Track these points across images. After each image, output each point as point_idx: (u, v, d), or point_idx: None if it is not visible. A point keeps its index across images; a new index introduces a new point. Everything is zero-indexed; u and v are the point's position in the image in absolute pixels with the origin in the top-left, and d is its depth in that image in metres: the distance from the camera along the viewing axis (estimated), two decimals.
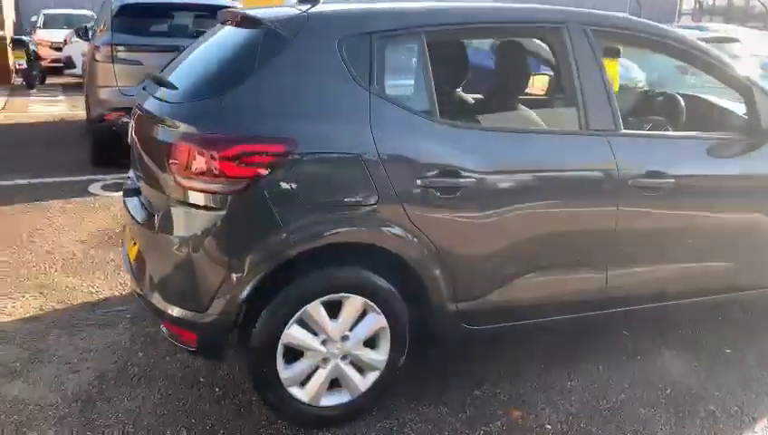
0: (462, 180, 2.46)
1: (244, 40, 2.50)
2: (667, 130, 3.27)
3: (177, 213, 2.34)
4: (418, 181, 2.40)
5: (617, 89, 3.43)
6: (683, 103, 3.43)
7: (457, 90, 3.47)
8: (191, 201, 2.30)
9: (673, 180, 2.79)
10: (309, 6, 2.53)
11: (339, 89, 2.38)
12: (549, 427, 2.60)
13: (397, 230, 2.41)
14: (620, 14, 3.15)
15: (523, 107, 3.07)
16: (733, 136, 3.08)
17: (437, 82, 2.55)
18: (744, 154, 3.03)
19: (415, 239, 2.44)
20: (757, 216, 3.06)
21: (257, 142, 2.26)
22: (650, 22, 3.07)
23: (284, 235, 2.29)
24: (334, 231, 2.35)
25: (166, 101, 2.52)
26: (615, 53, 3.43)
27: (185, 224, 2.33)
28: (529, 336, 3.15)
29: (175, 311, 2.38)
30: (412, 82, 2.55)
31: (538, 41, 3.59)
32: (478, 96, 3.63)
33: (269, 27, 2.42)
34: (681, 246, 2.94)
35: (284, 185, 2.27)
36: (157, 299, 2.45)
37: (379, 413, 2.61)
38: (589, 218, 2.74)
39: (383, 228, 2.40)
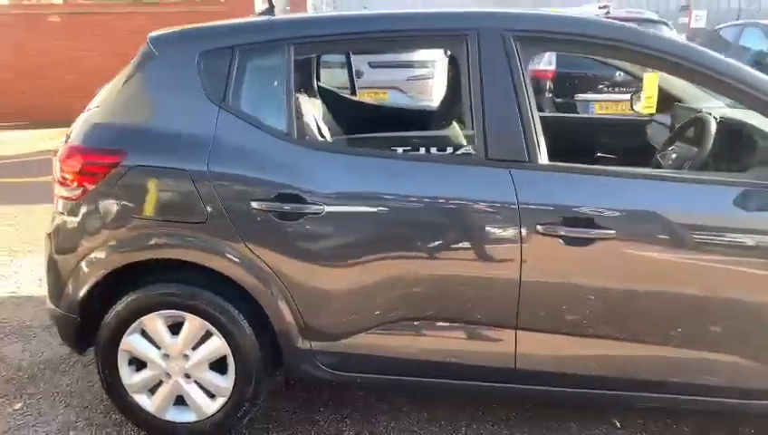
0: (307, 207, 2.21)
1: (136, 57, 2.57)
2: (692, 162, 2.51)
3: (51, 216, 2.53)
4: (255, 204, 2.23)
5: (651, 108, 2.71)
6: (713, 128, 2.57)
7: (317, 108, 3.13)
8: (55, 205, 2.47)
9: (613, 231, 2.12)
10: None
11: (187, 103, 2.32)
12: None
13: (228, 252, 2.26)
14: (565, 15, 2.44)
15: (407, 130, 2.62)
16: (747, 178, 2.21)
17: (307, 98, 2.32)
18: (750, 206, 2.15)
19: (250, 265, 2.27)
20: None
21: (91, 153, 2.33)
22: (607, 21, 2.36)
23: (112, 244, 2.33)
24: (156, 246, 2.31)
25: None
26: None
27: (50, 226, 2.50)
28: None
29: (48, 303, 2.58)
30: (272, 98, 2.34)
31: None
32: (363, 114, 3.19)
33: (148, 43, 2.46)
34: (632, 319, 2.20)
35: (115, 195, 2.30)
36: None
37: None
38: (477, 267, 2.22)
39: (210, 249, 2.28)
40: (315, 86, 3.66)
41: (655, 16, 8.13)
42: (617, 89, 7.18)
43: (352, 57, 4.17)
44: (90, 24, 11.21)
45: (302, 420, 2.66)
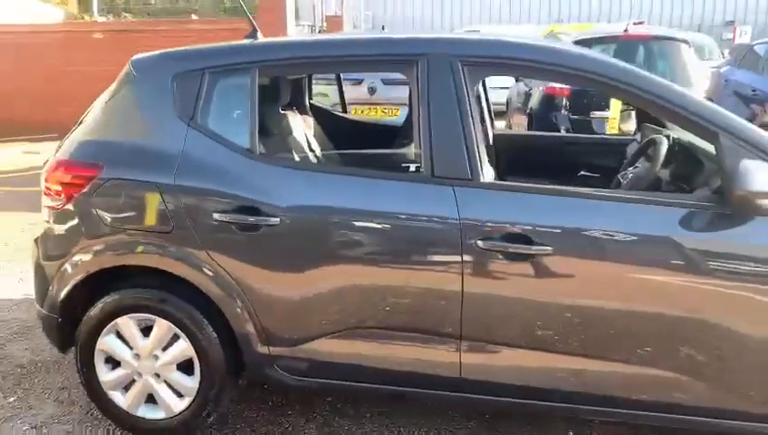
0: (265, 219, 2.36)
1: (118, 78, 2.77)
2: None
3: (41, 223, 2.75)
4: (217, 215, 2.39)
5: (614, 129, 2.80)
6: (664, 149, 2.63)
7: (295, 126, 3.26)
8: (42, 214, 2.68)
9: (550, 248, 2.21)
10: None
11: (160, 121, 2.51)
12: None
13: (192, 261, 2.43)
14: (512, 40, 2.52)
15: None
16: (686, 200, 2.27)
17: (271, 117, 2.48)
18: (693, 225, 2.20)
19: (212, 273, 2.43)
20: (708, 314, 2.19)
21: (73, 166, 2.54)
22: (557, 47, 2.45)
23: (89, 251, 2.52)
24: (127, 253, 2.49)
25: None
26: None
27: (39, 232, 2.71)
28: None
29: (35, 304, 2.79)
30: (236, 117, 2.50)
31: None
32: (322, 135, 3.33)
33: (129, 65, 2.66)
34: (573, 333, 2.27)
35: (92, 205, 2.50)
36: None
37: None
38: (422, 280, 2.33)
39: (175, 257, 2.45)
40: (307, 104, 3.84)
41: (676, 34, 8.07)
42: (632, 107, 7.16)
43: (366, 75, 4.32)
44: (130, 42, 11.72)
45: (269, 422, 2.80)
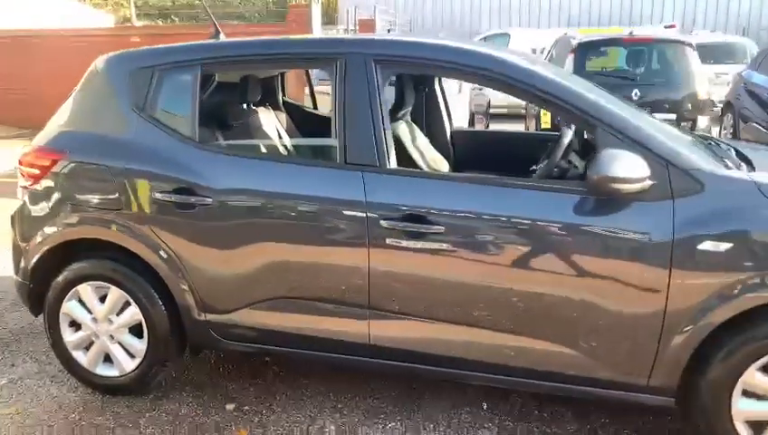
0: (197, 198, 2.67)
1: (85, 74, 3.11)
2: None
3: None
4: (158, 195, 2.72)
5: (547, 124, 3.01)
6: (566, 140, 2.84)
7: (256, 119, 3.54)
8: (18, 194, 3.06)
9: (443, 228, 2.45)
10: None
11: (117, 112, 2.85)
12: None
13: (138, 236, 2.76)
14: (427, 41, 2.74)
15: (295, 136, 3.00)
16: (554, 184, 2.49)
17: (213, 109, 2.78)
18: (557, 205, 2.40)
19: (155, 247, 2.75)
20: (577, 286, 2.38)
21: (42, 152, 2.91)
22: (462, 47, 2.66)
23: (52, 225, 2.88)
24: (84, 227, 2.84)
25: None
26: None
27: (16, 209, 3.09)
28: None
29: (13, 271, 3.16)
30: (180, 108, 2.81)
31: None
32: (258, 124, 3.56)
33: (94, 63, 3.01)
34: (462, 306, 2.51)
35: (57, 185, 2.86)
36: None
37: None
38: (334, 256, 2.59)
39: (124, 232, 2.78)
40: (280, 100, 4.14)
41: (681, 37, 8.09)
42: None
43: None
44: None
45: (214, 385, 3.11)
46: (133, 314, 2.88)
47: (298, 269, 2.66)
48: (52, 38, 12.90)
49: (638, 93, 7.19)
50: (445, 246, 2.46)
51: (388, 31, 9.90)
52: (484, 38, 16.31)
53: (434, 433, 2.72)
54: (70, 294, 2.94)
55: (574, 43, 7.66)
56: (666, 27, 15.09)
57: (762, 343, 2.26)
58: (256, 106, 3.69)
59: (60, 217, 2.88)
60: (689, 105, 7.37)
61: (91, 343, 2.98)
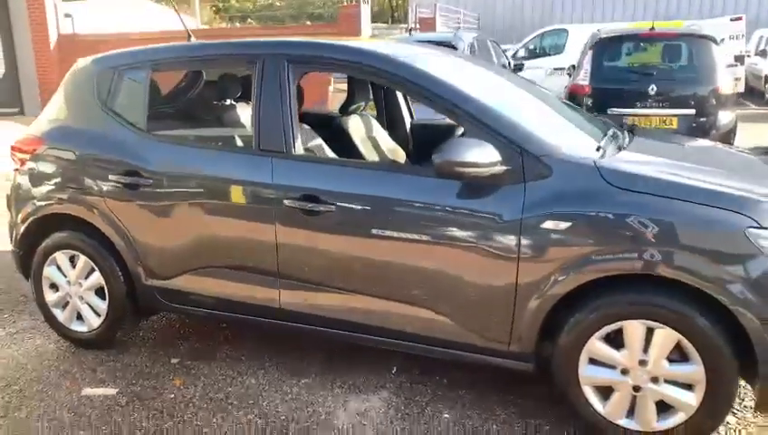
0: (142, 180, 3.14)
1: (66, 75, 3.65)
2: None
3: None
4: (111, 176, 3.21)
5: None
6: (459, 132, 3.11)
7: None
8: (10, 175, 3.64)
9: (334, 207, 2.79)
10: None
11: (86, 106, 3.38)
12: (196, 401, 3.04)
13: (98, 212, 3.27)
14: (330, 42, 3.06)
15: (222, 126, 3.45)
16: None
17: (159, 102, 3.24)
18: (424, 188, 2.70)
19: (111, 221, 3.25)
20: (451, 260, 2.66)
21: (27, 140, 3.47)
22: (355, 46, 2.97)
23: (33, 201, 3.44)
24: (56, 203, 3.38)
25: None
26: None
27: (11, 188, 3.67)
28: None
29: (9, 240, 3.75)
30: (134, 102, 3.28)
31: None
32: (200, 115, 3.91)
33: (74, 65, 3.54)
34: (352, 276, 2.85)
35: (37, 168, 3.42)
36: None
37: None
38: (249, 230, 2.99)
39: (88, 209, 3.29)
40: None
41: (705, 32, 7.91)
42: (650, 103, 7.23)
43: None
44: None
45: (170, 344, 3.59)
46: (97, 278, 3.39)
47: (221, 242, 3.08)
48: (129, 41, 13.96)
49: (655, 88, 7.17)
50: (335, 222, 2.81)
51: (410, 33, 10.09)
52: (542, 34, 16.27)
53: (339, 389, 3.07)
54: (49, 260, 3.49)
55: (593, 39, 7.72)
56: (731, 20, 14.56)
57: (601, 314, 2.48)
58: (237, 102, 4.14)
59: (39, 195, 3.43)
60: (711, 100, 7.27)
61: (67, 303, 3.53)
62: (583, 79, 7.63)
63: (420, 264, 2.72)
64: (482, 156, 2.51)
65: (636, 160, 2.73)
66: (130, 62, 3.36)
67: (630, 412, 2.55)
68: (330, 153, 3.43)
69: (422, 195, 2.69)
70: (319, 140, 3.48)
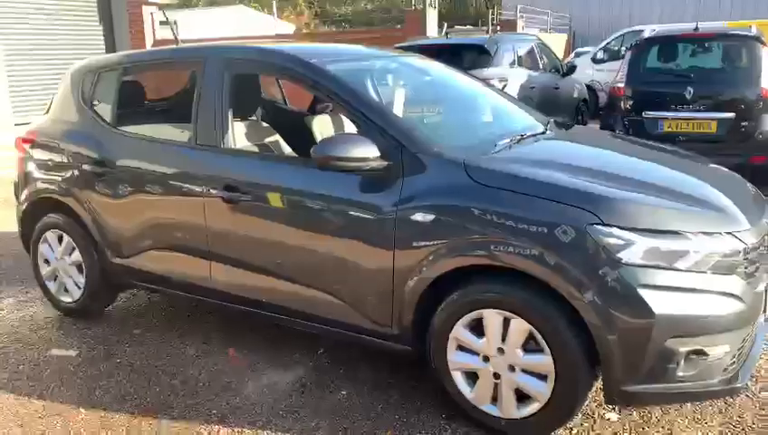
0: (107, 169, 3.58)
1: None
2: None
3: None
4: (84, 166, 3.66)
5: None
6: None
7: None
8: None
9: (249, 196, 3.08)
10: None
11: (72, 105, 3.87)
12: (137, 366, 3.43)
13: (75, 198, 3.74)
14: (262, 46, 3.33)
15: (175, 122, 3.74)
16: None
17: (128, 100, 3.68)
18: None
19: (84, 206, 3.71)
20: (337, 245, 2.88)
21: (27, 133, 4.01)
22: (280, 50, 3.22)
23: (29, 189, 3.98)
24: (45, 190, 3.89)
25: None
26: None
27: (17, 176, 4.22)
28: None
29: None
30: (105, 100, 3.73)
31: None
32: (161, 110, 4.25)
33: (69, 68, 4.04)
34: (267, 260, 3.12)
35: (33, 158, 3.95)
36: None
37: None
38: (187, 215, 3.33)
39: (68, 195, 3.77)
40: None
41: (752, 32, 7.48)
42: (687, 107, 6.98)
43: None
44: None
45: (135, 318, 4.01)
46: (77, 256, 3.87)
47: (166, 226, 3.45)
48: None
49: (692, 91, 6.92)
50: (248, 210, 3.11)
51: (446, 35, 10.05)
52: (623, 35, 15.74)
53: (262, 364, 3.34)
54: (42, 238, 4.01)
55: (633, 41, 7.54)
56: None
57: (463, 302, 2.62)
58: None
59: (33, 182, 3.96)
60: (755, 104, 6.91)
61: (56, 276, 4.03)
62: (620, 81, 7.48)
63: (316, 249, 2.95)
64: (357, 151, 2.71)
65: (513, 158, 2.82)
66: (106, 65, 3.82)
67: (495, 399, 2.67)
68: (287, 149, 3.73)
69: (316, 186, 2.93)
70: (276, 137, 3.79)
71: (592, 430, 2.72)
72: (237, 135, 3.34)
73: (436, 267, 2.63)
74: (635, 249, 2.33)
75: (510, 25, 18.55)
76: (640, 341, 2.33)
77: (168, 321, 3.96)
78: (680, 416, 2.80)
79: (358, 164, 2.72)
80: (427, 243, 2.64)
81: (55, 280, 4.06)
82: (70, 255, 3.92)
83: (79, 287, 3.94)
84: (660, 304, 2.31)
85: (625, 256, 2.33)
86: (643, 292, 2.31)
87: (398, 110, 3.45)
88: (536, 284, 2.46)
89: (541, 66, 9.09)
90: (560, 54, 19.78)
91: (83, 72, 3.89)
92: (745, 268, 2.47)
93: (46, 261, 4.07)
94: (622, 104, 7.45)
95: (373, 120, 2.84)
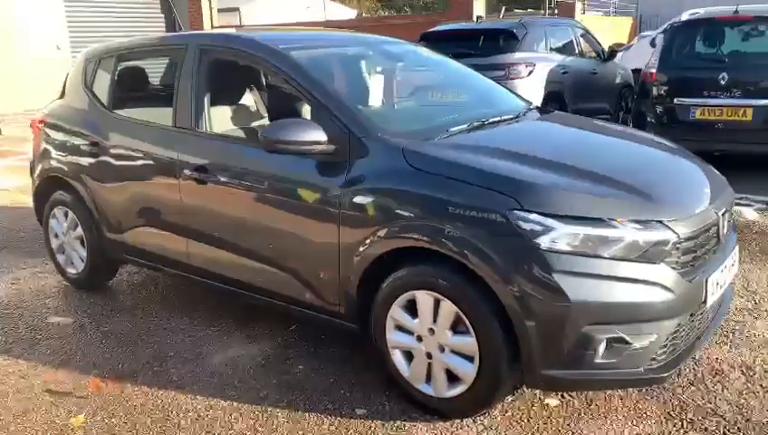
0: (102, 150, 3.81)
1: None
2: None
3: None
4: (83, 146, 3.91)
5: None
6: None
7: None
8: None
9: (216, 176, 3.24)
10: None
11: (78, 89, 4.13)
12: (120, 334, 3.66)
13: (75, 176, 4.01)
14: (235, 33, 3.44)
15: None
16: None
17: (123, 85, 3.91)
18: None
19: (83, 184, 3.97)
20: (286, 224, 3.03)
21: (40, 115, 4.31)
22: (253, 35, 3.34)
23: (41, 166, 4.27)
24: (53, 169, 4.16)
25: None
26: None
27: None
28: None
29: None
30: (103, 84, 3.96)
31: None
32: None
33: (79, 55, 4.30)
34: (232, 238, 3.28)
35: (44, 138, 4.25)
36: None
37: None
38: (166, 194, 3.52)
39: (70, 172, 4.04)
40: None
41: None
42: (720, 93, 6.70)
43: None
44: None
45: (133, 292, 4.26)
46: (79, 231, 4.14)
47: (150, 204, 3.65)
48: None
49: (726, 77, 6.64)
50: (214, 189, 3.27)
51: (477, 19, 9.83)
52: None
53: (231, 338, 3.51)
54: (51, 213, 4.31)
55: (667, 24, 7.28)
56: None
57: (397, 283, 2.70)
58: None
59: (43, 160, 4.25)
60: None
61: (64, 250, 4.33)
62: (652, 66, 7.24)
63: (273, 228, 3.10)
64: (304, 135, 2.81)
65: (457, 145, 2.85)
66: (106, 52, 4.06)
67: (429, 378, 2.73)
68: None
69: (272, 166, 3.05)
70: (264, 121, 3.93)
71: (530, 415, 2.75)
72: (217, 119, 3.51)
73: (375, 247, 2.71)
74: (554, 235, 2.35)
75: (567, 9, 18.13)
76: (557, 327, 2.35)
77: (161, 295, 4.20)
78: (622, 404, 2.78)
79: (304, 148, 2.82)
80: (368, 224, 2.73)
81: (63, 253, 4.36)
82: (74, 230, 4.20)
83: (82, 260, 4.22)
84: (578, 290, 2.32)
85: (544, 241, 2.34)
86: (560, 278, 2.33)
87: (373, 96, 3.53)
88: (464, 267, 2.51)
89: (576, 51, 8.89)
90: (623, 39, 19.18)
91: (88, 57, 4.14)
92: (677, 258, 2.44)
93: (56, 235, 4.37)
94: (654, 90, 7.23)
95: (325, 106, 2.93)
